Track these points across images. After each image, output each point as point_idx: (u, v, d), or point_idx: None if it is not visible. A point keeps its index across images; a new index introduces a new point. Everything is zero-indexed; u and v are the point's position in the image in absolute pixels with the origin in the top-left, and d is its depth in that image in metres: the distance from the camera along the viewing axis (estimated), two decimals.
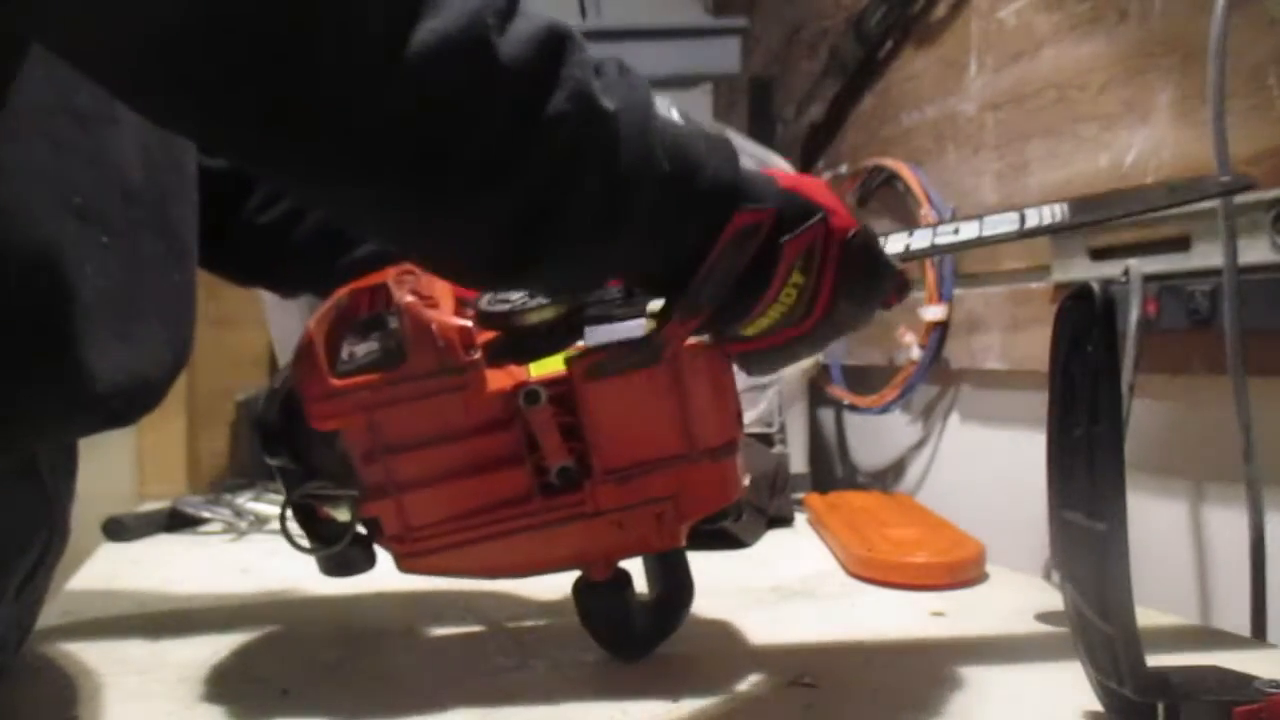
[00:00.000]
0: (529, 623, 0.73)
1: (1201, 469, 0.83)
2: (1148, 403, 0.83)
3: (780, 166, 1.24)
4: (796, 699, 0.58)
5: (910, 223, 1.20)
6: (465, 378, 0.57)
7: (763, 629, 0.71)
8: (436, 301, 0.59)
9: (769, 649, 0.67)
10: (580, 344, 0.59)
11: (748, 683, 0.60)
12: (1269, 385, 0.75)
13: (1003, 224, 0.64)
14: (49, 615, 0.72)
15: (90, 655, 0.66)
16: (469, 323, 0.58)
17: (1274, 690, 0.47)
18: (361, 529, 0.61)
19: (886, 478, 1.32)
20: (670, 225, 0.50)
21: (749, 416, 1.19)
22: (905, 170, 1.19)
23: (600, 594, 0.62)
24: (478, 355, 0.58)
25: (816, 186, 0.56)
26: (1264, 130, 0.75)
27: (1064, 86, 0.96)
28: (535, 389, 0.57)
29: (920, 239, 0.65)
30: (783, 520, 1.09)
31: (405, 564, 0.60)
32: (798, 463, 1.25)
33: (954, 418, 1.19)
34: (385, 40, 0.40)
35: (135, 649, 0.68)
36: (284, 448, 0.60)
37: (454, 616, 0.74)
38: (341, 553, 0.61)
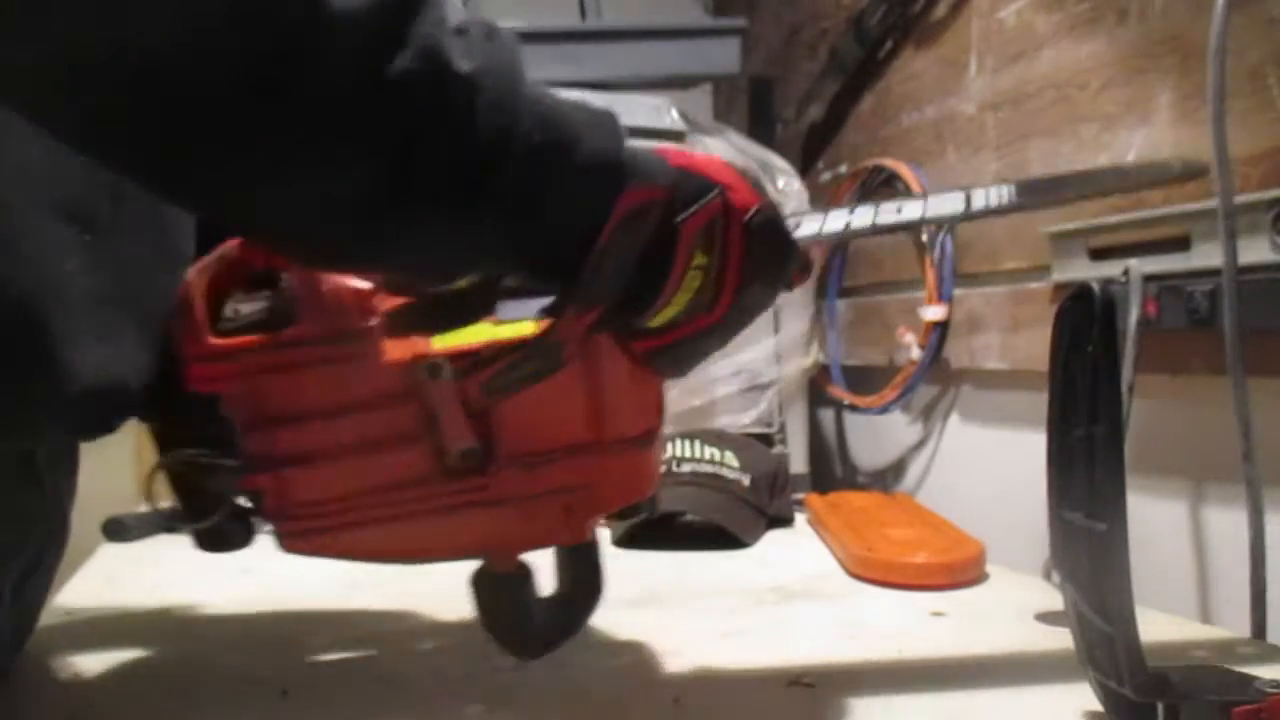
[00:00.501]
0: None
1: (1201, 469, 0.83)
2: (1148, 403, 0.83)
3: (780, 167, 1.24)
4: (796, 699, 0.58)
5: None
6: (359, 346, 0.53)
7: (763, 629, 0.71)
8: None
9: (769, 649, 0.67)
10: (492, 319, 0.55)
11: (748, 683, 0.60)
12: (1269, 385, 0.75)
13: (948, 204, 0.62)
14: (49, 615, 0.72)
15: (90, 655, 0.66)
16: (369, 284, 0.53)
17: (1274, 690, 0.47)
18: (244, 502, 0.56)
19: (886, 478, 1.32)
20: (544, 203, 0.47)
21: (749, 416, 1.19)
22: (905, 170, 1.19)
23: (500, 587, 0.57)
24: (375, 322, 0.53)
25: (712, 163, 0.52)
26: (1264, 130, 0.75)
27: (1064, 86, 0.96)
28: (438, 362, 0.52)
29: (861, 217, 0.62)
30: (783, 520, 1.09)
31: (288, 544, 0.56)
32: (798, 463, 1.25)
33: (954, 418, 1.19)
34: None
35: (135, 649, 0.68)
36: (157, 409, 0.55)
37: (453, 617, 0.74)
38: (217, 527, 0.56)
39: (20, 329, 0.49)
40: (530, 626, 0.58)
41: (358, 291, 0.53)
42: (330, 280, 0.53)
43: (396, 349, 0.53)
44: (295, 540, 0.55)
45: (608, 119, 0.49)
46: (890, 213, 0.62)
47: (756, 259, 0.52)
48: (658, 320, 0.51)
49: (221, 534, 0.57)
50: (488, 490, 0.54)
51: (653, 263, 0.49)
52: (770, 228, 0.52)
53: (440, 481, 0.54)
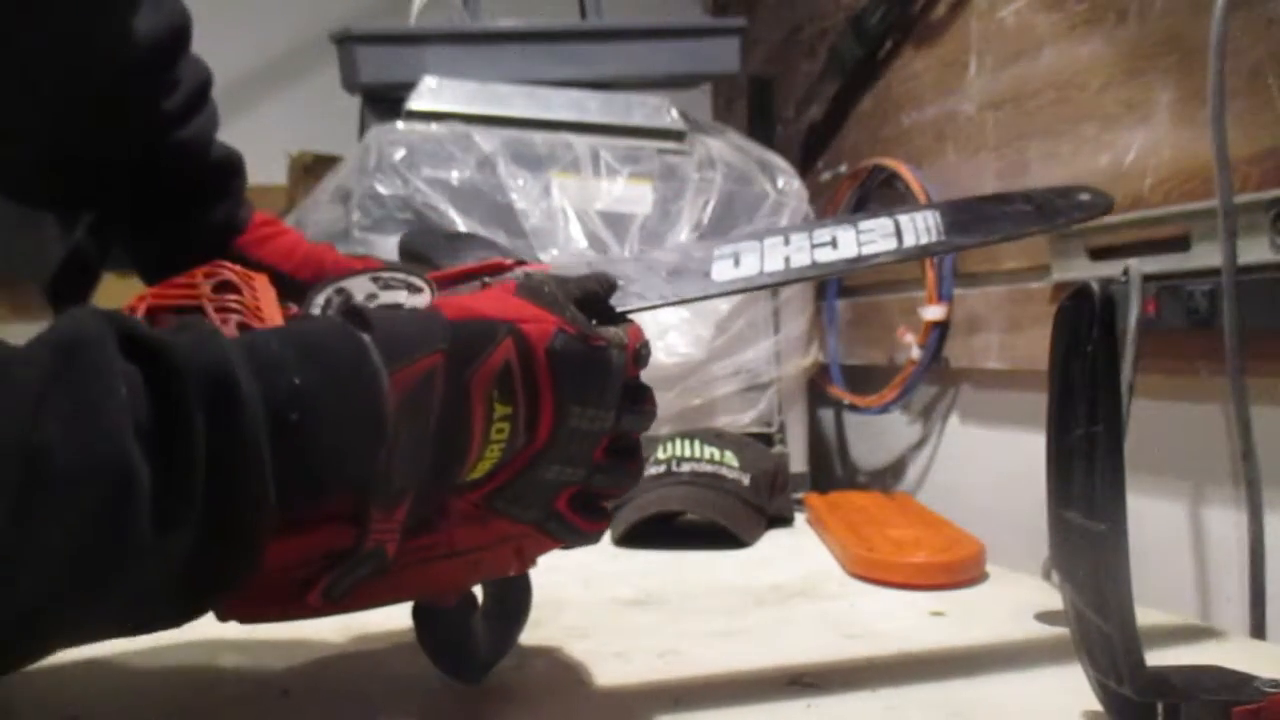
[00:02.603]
0: None
1: (1201, 469, 0.83)
2: (1148, 403, 0.83)
3: (780, 166, 1.24)
4: (796, 699, 0.58)
5: None
6: None
7: (763, 629, 0.71)
8: (260, 311, 0.50)
9: (769, 649, 0.67)
10: None
11: (748, 683, 0.60)
12: (1268, 385, 0.75)
13: (878, 234, 0.61)
14: None
15: (89, 655, 0.66)
16: None
17: (1274, 690, 0.47)
18: None
19: (886, 478, 1.32)
20: (307, 452, 0.41)
21: (749, 416, 1.19)
22: (905, 170, 1.19)
23: (445, 620, 0.56)
24: None
25: (499, 302, 0.48)
26: (1263, 130, 0.75)
27: (1064, 86, 0.96)
28: None
29: (798, 249, 0.60)
30: (783, 520, 1.09)
31: (223, 614, 0.51)
32: (797, 462, 1.25)
33: (954, 418, 1.19)
34: None
35: (134, 648, 0.68)
36: None
37: None
38: None
39: None
40: (475, 653, 0.58)
41: None
42: None
43: None
44: (228, 611, 0.51)
45: (353, 381, 0.42)
46: (825, 245, 0.60)
47: (569, 384, 0.48)
48: (477, 473, 0.48)
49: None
50: (438, 547, 0.52)
51: (451, 425, 0.45)
52: (575, 347, 0.48)
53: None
